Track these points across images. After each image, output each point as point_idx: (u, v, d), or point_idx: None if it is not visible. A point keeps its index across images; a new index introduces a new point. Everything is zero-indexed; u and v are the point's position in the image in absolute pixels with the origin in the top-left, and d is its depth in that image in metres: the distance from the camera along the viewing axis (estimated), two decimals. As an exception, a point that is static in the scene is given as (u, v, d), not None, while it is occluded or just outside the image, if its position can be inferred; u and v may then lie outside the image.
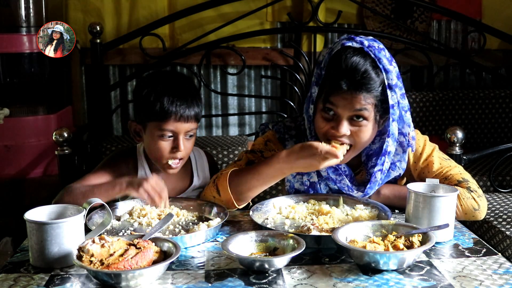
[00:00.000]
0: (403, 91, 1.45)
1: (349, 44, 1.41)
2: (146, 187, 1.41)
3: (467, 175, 1.54)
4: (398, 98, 1.43)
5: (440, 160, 1.56)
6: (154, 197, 1.42)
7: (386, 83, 1.40)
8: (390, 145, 1.48)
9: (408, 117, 1.48)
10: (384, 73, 1.40)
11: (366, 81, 1.37)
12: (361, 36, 1.45)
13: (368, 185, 1.51)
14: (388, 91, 1.41)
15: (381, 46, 1.43)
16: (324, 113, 1.44)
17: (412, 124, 1.51)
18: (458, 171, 1.54)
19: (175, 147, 1.60)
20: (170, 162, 1.62)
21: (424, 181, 1.47)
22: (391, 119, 1.44)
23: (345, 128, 1.41)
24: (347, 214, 1.43)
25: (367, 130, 1.44)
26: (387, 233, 1.22)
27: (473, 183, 1.52)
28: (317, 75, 1.48)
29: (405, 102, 1.46)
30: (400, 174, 1.56)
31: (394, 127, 1.46)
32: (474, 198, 1.47)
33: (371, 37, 1.45)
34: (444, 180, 1.52)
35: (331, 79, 1.40)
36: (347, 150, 1.44)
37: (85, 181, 1.61)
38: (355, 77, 1.36)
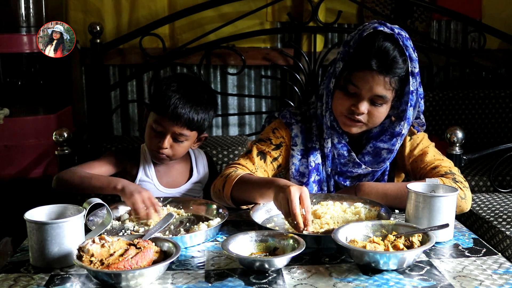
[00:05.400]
0: (420, 80, 1.54)
1: (381, 28, 1.47)
2: (136, 198, 1.43)
3: (455, 169, 1.57)
4: (416, 86, 1.52)
5: (434, 153, 1.62)
6: (139, 210, 1.43)
7: (410, 70, 1.48)
8: (405, 128, 1.55)
9: (422, 104, 1.57)
10: (409, 61, 1.47)
11: (395, 65, 1.45)
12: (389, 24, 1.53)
13: (372, 158, 1.59)
14: (411, 78, 1.49)
15: (407, 35, 1.50)
16: (346, 90, 1.50)
17: (422, 110, 1.60)
18: (448, 165, 1.58)
19: (160, 142, 1.65)
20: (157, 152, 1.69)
21: (416, 171, 1.59)
22: (409, 104, 1.52)
23: (365, 106, 1.49)
24: (350, 214, 1.43)
25: (383, 112, 1.52)
26: (387, 233, 1.22)
27: (459, 176, 1.54)
28: (344, 52, 1.54)
29: (421, 90, 1.55)
30: (391, 156, 1.60)
31: (410, 112, 1.54)
32: (460, 188, 1.49)
33: (397, 26, 1.52)
34: (432, 170, 1.56)
35: (361, 58, 1.46)
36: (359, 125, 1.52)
37: (88, 166, 1.68)
38: (386, 60, 1.44)
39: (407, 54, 1.46)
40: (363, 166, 1.58)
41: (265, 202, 1.46)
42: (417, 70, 1.50)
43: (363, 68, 1.45)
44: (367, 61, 1.44)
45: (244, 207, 1.53)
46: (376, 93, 1.46)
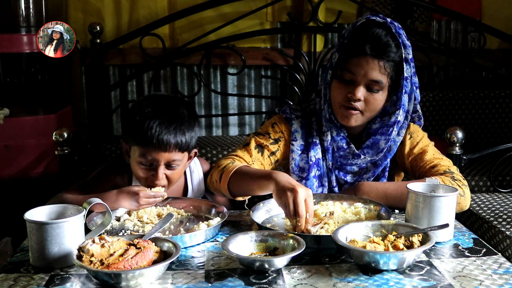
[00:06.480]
0: (415, 70, 1.56)
1: (374, 18, 1.51)
2: (142, 202, 1.45)
3: (454, 168, 1.58)
4: (411, 73, 1.54)
5: (434, 152, 1.63)
6: (156, 201, 1.46)
7: (403, 57, 1.50)
8: (400, 115, 1.56)
9: (417, 93, 1.59)
10: (402, 48, 1.50)
11: (388, 48, 1.48)
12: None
13: (371, 150, 1.59)
14: (404, 64, 1.51)
15: (400, 26, 1.54)
16: (342, 78, 1.52)
17: (418, 100, 1.62)
18: (447, 164, 1.59)
19: (153, 176, 1.54)
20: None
21: (415, 169, 1.59)
22: (403, 91, 1.54)
23: (361, 92, 1.50)
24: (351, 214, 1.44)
25: (380, 100, 1.53)
26: (387, 233, 1.22)
27: (458, 174, 1.55)
28: (339, 44, 1.57)
29: (416, 79, 1.57)
30: (392, 152, 1.61)
31: (405, 99, 1.56)
32: (459, 186, 1.49)
33: (390, 19, 1.55)
34: (431, 168, 1.57)
35: (355, 45, 1.49)
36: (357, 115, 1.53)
37: (77, 190, 1.58)
38: (379, 44, 1.47)
39: (400, 40, 1.49)
40: (362, 157, 1.59)
41: (263, 193, 1.45)
42: (410, 56, 1.52)
43: (357, 54, 1.48)
44: (361, 47, 1.47)
45: (240, 198, 1.55)
46: (372, 78, 1.48)
